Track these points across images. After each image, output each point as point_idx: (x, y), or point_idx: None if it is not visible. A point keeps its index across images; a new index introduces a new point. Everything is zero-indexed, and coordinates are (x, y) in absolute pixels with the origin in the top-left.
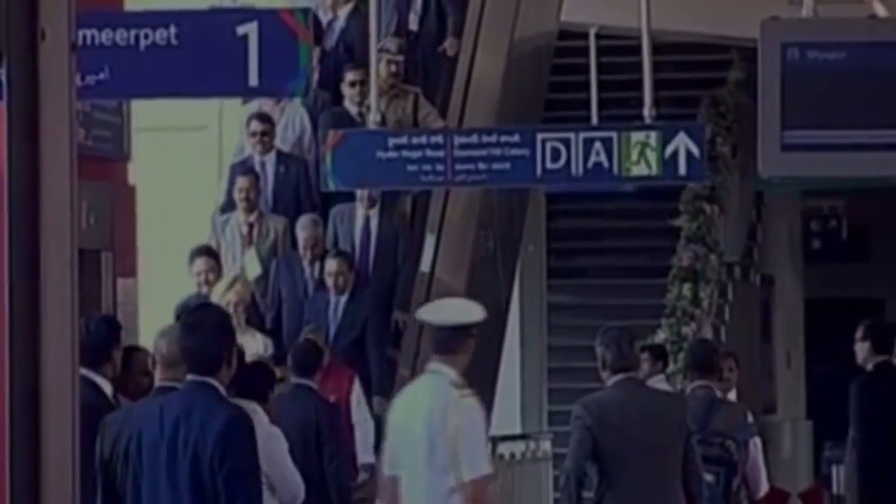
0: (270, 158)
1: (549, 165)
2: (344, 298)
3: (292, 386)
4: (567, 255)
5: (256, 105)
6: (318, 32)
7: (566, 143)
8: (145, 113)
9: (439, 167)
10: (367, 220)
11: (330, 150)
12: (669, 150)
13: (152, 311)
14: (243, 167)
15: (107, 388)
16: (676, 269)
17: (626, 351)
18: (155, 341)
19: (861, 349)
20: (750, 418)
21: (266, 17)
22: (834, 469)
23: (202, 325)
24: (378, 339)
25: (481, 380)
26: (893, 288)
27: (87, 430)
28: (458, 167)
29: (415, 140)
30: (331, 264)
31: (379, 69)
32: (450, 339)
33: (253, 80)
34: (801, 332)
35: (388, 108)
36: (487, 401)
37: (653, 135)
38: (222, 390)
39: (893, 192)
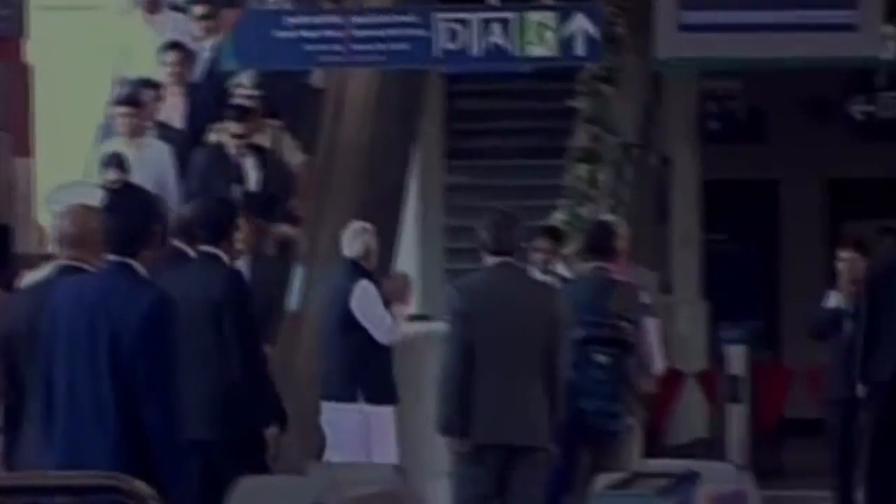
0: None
1: (447, 46)
2: None
3: (200, 254)
4: (466, 136)
5: (112, 145)
6: (190, 64)
7: (464, 23)
8: None
9: (337, 47)
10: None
11: (230, 30)
12: (567, 30)
13: (49, 190)
14: None
15: None
16: (574, 149)
17: (504, 236)
18: (57, 220)
19: None
20: (645, 299)
21: None
22: (728, 349)
23: (124, 206)
24: None
25: (380, 260)
26: (788, 169)
27: None
28: (356, 47)
29: (314, 20)
30: None
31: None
32: None
33: None
34: (698, 213)
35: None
36: None
37: (550, 15)
38: (142, 272)
39: (790, 73)
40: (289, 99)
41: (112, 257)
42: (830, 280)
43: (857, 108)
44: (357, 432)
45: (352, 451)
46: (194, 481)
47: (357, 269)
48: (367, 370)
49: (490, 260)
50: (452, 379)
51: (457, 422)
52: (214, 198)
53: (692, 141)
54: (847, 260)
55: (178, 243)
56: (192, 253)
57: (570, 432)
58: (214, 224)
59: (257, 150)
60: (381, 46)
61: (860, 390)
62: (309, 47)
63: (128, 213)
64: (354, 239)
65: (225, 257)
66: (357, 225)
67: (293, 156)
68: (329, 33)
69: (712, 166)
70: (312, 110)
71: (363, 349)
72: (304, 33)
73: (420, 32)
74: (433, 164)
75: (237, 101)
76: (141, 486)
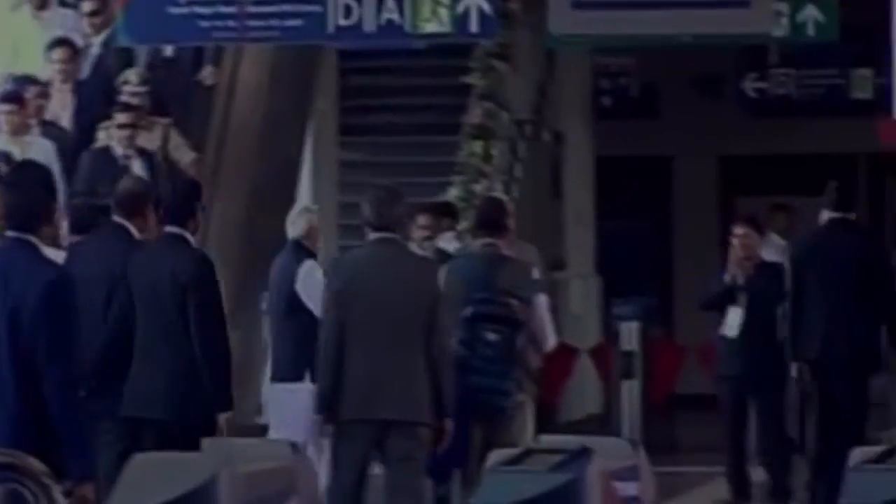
0: None
1: (341, 22)
2: None
3: (166, 234)
4: (360, 113)
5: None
6: (78, 61)
7: None
8: None
9: (231, 23)
10: None
11: (122, 6)
12: (461, 6)
13: None
14: None
15: None
16: (468, 126)
17: (385, 211)
18: None
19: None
20: (536, 275)
21: None
22: (622, 326)
23: (24, 181)
24: None
25: (274, 236)
26: (682, 145)
27: None
28: (251, 23)
29: None
30: None
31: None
32: None
33: None
34: (592, 189)
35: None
36: None
37: None
38: (42, 248)
39: (683, 49)
40: (179, 96)
41: (11, 233)
42: (724, 256)
43: (750, 85)
44: (307, 411)
45: (301, 430)
46: (102, 458)
47: (301, 250)
48: (314, 350)
49: (371, 235)
50: (327, 357)
51: (327, 400)
52: (182, 178)
53: (585, 117)
54: (740, 235)
55: (118, 219)
56: (133, 229)
57: (461, 409)
58: (180, 204)
59: (144, 153)
60: (274, 22)
61: (792, 368)
62: (203, 23)
63: (28, 188)
64: (298, 218)
65: (191, 238)
66: (300, 205)
67: (182, 154)
68: (223, 9)
69: (606, 142)
70: (203, 107)
71: (310, 329)
72: (198, 9)
73: (314, 8)
74: (327, 140)
75: (124, 98)
76: (34, 463)
